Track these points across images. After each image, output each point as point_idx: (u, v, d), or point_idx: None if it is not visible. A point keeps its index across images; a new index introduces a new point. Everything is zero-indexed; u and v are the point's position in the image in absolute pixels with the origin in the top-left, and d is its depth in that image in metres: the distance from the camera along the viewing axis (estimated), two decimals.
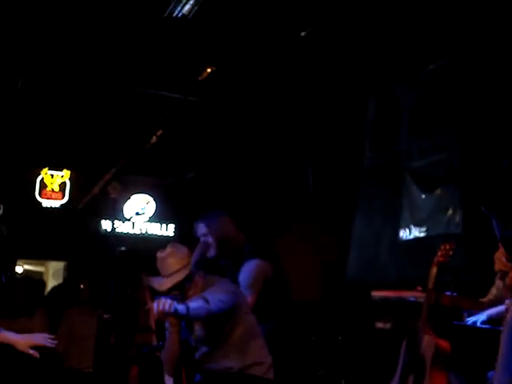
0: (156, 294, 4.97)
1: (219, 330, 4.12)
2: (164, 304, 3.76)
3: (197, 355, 4.22)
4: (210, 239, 4.76)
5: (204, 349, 4.20)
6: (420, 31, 6.95)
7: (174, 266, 4.14)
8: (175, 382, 5.01)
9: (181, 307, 3.82)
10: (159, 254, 4.20)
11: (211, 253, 4.76)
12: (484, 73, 6.81)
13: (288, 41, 7.20)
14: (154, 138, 3.66)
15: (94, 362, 6.65)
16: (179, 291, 4.08)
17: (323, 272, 5.88)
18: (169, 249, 4.23)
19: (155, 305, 3.80)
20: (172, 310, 3.77)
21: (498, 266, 4.00)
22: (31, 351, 3.99)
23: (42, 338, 4.10)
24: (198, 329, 4.20)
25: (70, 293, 7.35)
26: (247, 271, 4.67)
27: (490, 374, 4.64)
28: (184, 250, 4.25)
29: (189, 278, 4.13)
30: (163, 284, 4.12)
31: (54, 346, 4.09)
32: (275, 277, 4.78)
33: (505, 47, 6.48)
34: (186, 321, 4.13)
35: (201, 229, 4.80)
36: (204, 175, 9.50)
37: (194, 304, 3.90)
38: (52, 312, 7.07)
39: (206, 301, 3.91)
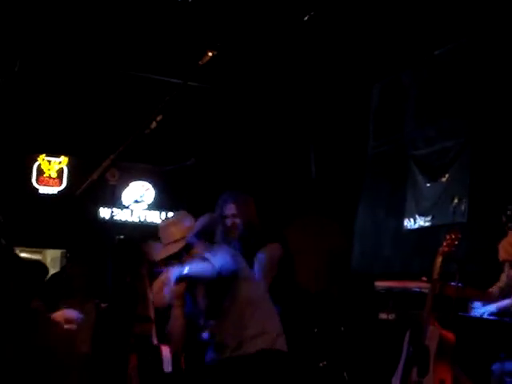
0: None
1: (220, 301, 4.00)
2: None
3: (204, 335, 4.14)
4: (238, 220, 4.74)
5: (210, 323, 4.10)
6: (425, 17, 6.90)
7: (174, 235, 4.04)
8: (174, 363, 4.98)
9: (180, 268, 3.76)
10: (162, 222, 4.14)
11: (237, 234, 4.73)
12: (490, 59, 6.77)
13: (291, 25, 7.14)
14: (154, 123, 3.58)
15: (91, 350, 6.59)
16: (177, 261, 3.99)
17: (330, 263, 5.83)
18: (173, 217, 4.16)
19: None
20: (173, 276, 3.71)
21: (502, 256, 3.87)
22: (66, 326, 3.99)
23: (74, 314, 4.10)
24: (201, 302, 4.08)
25: (65, 281, 7.29)
26: (265, 256, 4.68)
27: (494, 366, 4.61)
28: (188, 220, 4.15)
29: (186, 249, 4.03)
30: (159, 253, 4.06)
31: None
32: (284, 259, 4.77)
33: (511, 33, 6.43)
34: (190, 290, 4.04)
35: (230, 209, 4.77)
36: (204, 162, 9.43)
37: (193, 264, 3.83)
38: (48, 301, 7.00)
39: (206, 259, 3.83)
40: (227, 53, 4.88)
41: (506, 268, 4.94)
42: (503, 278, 5.02)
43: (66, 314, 4.07)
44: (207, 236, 4.22)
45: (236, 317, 4.01)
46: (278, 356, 3.97)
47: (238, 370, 4.01)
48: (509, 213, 4.81)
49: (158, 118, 3.44)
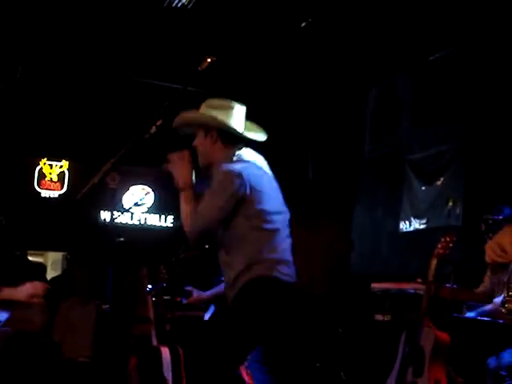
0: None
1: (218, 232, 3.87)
2: None
3: None
4: None
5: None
6: (421, 22, 6.94)
7: None
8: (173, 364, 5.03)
9: None
10: None
11: None
12: (484, 64, 6.80)
13: (288, 31, 7.18)
14: (154, 128, 3.64)
15: (92, 352, 6.64)
16: None
17: (331, 265, 5.86)
18: None
19: None
20: None
21: (490, 257, 3.82)
22: (34, 299, 4.02)
23: (39, 286, 4.11)
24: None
25: (67, 283, 7.34)
26: None
27: (490, 360, 4.65)
28: None
29: None
30: None
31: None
32: None
33: (505, 38, 6.47)
34: None
35: None
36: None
37: None
38: (50, 302, 7.05)
39: None
40: (225, 58, 4.93)
41: (489, 271, 5.00)
42: (487, 280, 5.08)
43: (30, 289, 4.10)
44: None
45: (227, 249, 3.87)
46: (270, 282, 3.73)
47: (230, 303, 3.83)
48: (490, 222, 4.87)
49: (158, 123, 3.50)
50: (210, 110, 4.08)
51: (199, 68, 3.47)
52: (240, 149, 4.11)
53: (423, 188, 7.62)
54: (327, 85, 8.51)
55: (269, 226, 3.82)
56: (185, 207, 3.94)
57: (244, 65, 8.02)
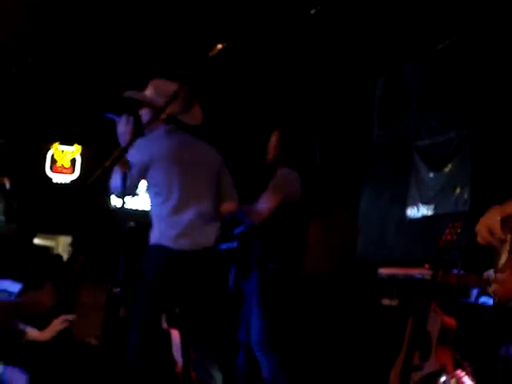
0: None
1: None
2: None
3: None
4: None
5: None
6: (429, 9, 6.92)
7: None
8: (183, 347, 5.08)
9: None
10: None
11: None
12: (492, 51, 6.78)
13: (298, 18, 7.17)
14: (163, 116, 3.68)
15: (102, 334, 6.70)
16: None
17: (339, 251, 5.89)
18: None
19: None
20: None
21: (483, 238, 3.41)
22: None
23: (61, 323, 4.31)
24: None
25: (74, 266, 7.40)
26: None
27: (501, 349, 4.67)
28: None
29: None
30: None
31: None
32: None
33: None
34: None
35: None
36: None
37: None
38: (59, 286, 7.12)
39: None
40: (236, 44, 4.96)
41: None
42: None
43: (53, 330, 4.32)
44: None
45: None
46: (162, 251, 4.29)
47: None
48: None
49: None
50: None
51: (209, 54, 3.50)
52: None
53: (431, 174, 7.62)
54: (336, 70, 8.50)
55: None
56: None
57: (253, 51, 8.01)
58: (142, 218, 5.13)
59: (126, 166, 3.97)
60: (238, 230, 5.14)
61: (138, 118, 4.41)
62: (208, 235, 4.36)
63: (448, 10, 6.84)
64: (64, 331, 6.31)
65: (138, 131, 4.23)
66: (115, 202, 10.08)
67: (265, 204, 4.89)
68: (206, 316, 4.35)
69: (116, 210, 9.72)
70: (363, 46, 7.83)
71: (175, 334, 5.69)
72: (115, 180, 4.22)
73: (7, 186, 7.13)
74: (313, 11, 6.79)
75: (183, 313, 4.71)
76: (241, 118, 9.32)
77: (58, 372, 6.04)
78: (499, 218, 2.81)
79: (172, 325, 5.82)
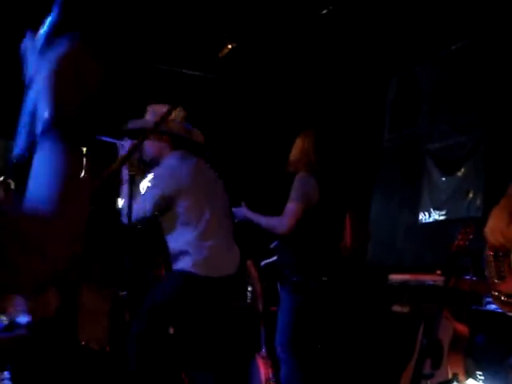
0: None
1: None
2: None
3: None
4: None
5: None
6: (441, 11, 6.87)
7: None
8: None
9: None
10: None
11: None
12: (506, 54, 6.73)
13: (309, 19, 7.12)
14: (173, 115, 3.63)
15: (107, 339, 6.65)
16: None
17: (348, 253, 5.84)
18: None
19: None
20: None
21: (497, 241, 3.23)
22: None
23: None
24: None
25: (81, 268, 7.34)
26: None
27: (510, 360, 4.60)
28: None
29: None
30: None
31: None
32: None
33: None
34: None
35: None
36: (218, 153, 9.44)
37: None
38: (63, 289, 7.07)
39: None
40: (246, 45, 4.91)
41: None
42: None
43: None
44: None
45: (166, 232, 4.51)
46: (190, 279, 4.31)
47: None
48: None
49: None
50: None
51: (219, 55, 3.43)
52: None
53: (443, 178, 7.55)
54: (348, 73, 8.46)
55: None
56: None
57: (263, 52, 7.97)
58: (148, 219, 5.06)
59: (135, 167, 3.97)
60: (274, 244, 5.19)
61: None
62: (234, 261, 4.51)
63: (459, 13, 6.79)
64: (68, 336, 6.26)
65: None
66: (121, 203, 10.02)
67: (290, 214, 4.87)
68: (203, 338, 4.46)
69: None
70: (375, 48, 7.78)
71: None
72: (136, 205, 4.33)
73: (12, 186, 7.06)
74: (324, 11, 6.73)
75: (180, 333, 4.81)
76: (251, 122, 9.27)
77: (61, 376, 5.98)
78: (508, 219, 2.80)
79: None
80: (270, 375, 5.18)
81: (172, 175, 4.44)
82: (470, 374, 4.66)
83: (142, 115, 4.81)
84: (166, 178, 4.43)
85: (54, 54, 1.34)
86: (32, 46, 1.38)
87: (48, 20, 1.39)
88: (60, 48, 1.35)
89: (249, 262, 5.72)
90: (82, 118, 1.30)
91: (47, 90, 1.28)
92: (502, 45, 6.83)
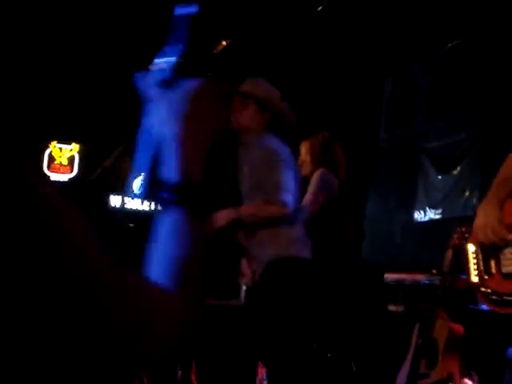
0: None
1: None
2: None
3: None
4: None
5: None
6: (437, 8, 6.86)
7: None
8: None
9: None
10: None
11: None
12: (503, 52, 6.72)
13: (304, 16, 7.10)
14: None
15: None
16: None
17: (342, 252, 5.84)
18: None
19: None
20: None
21: (487, 239, 3.06)
22: None
23: None
24: None
25: None
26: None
27: (509, 350, 4.57)
28: None
29: None
30: None
31: None
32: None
33: None
34: None
35: None
36: (214, 151, 9.40)
37: None
38: None
39: None
40: (241, 41, 4.87)
41: None
42: None
43: None
44: None
45: None
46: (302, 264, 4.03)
47: None
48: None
49: None
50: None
51: (214, 51, 3.41)
52: None
53: (439, 177, 7.56)
54: (343, 71, 8.45)
55: None
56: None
57: (259, 49, 7.95)
58: (142, 218, 5.03)
59: (128, 165, 3.90)
60: None
61: None
62: None
63: (456, 10, 6.78)
64: None
65: None
66: (115, 201, 9.99)
67: (310, 203, 4.85)
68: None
69: (115, 210, 9.63)
70: (371, 47, 7.77)
71: None
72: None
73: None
74: (319, 8, 6.70)
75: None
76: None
77: None
78: (498, 216, 2.78)
79: None
80: (264, 375, 5.14)
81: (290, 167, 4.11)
82: (465, 374, 4.65)
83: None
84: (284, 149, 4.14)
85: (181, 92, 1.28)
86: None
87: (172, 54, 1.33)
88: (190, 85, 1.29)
89: (244, 261, 5.68)
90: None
91: (176, 147, 1.23)
92: (499, 43, 6.82)
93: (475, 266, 3.13)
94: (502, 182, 3.08)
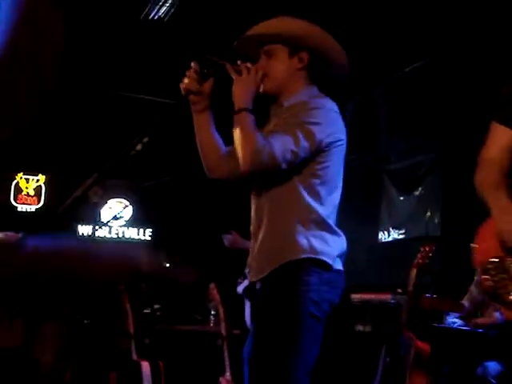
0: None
1: None
2: None
3: None
4: None
5: None
6: (395, 34, 6.97)
7: None
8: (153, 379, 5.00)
9: None
10: None
11: None
12: (460, 75, 6.84)
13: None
14: (140, 145, 3.60)
15: (69, 368, 6.56)
16: None
17: None
18: None
19: None
20: None
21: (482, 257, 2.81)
22: None
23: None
24: None
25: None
26: None
27: (478, 369, 4.66)
28: None
29: None
30: None
31: None
32: None
33: (481, 48, 6.52)
34: None
35: None
36: (181, 179, 9.43)
37: None
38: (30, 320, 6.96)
39: None
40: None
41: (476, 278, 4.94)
42: (473, 288, 5.05)
43: None
44: None
45: None
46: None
47: None
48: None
49: (145, 140, 3.45)
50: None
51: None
52: None
53: (401, 198, 7.63)
54: None
55: None
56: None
57: (225, 76, 8.00)
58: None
59: (99, 195, 3.90)
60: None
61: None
62: None
63: (414, 34, 6.89)
64: (32, 366, 6.18)
65: None
66: (83, 230, 9.96)
67: None
68: None
69: (84, 239, 9.59)
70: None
71: (146, 367, 5.61)
72: None
73: None
74: None
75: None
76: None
77: None
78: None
79: (142, 357, 5.74)
80: None
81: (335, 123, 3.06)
82: None
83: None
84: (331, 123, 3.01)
85: None
86: None
87: None
88: None
89: (212, 286, 5.71)
90: None
91: None
92: (455, 67, 6.95)
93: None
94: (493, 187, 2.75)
